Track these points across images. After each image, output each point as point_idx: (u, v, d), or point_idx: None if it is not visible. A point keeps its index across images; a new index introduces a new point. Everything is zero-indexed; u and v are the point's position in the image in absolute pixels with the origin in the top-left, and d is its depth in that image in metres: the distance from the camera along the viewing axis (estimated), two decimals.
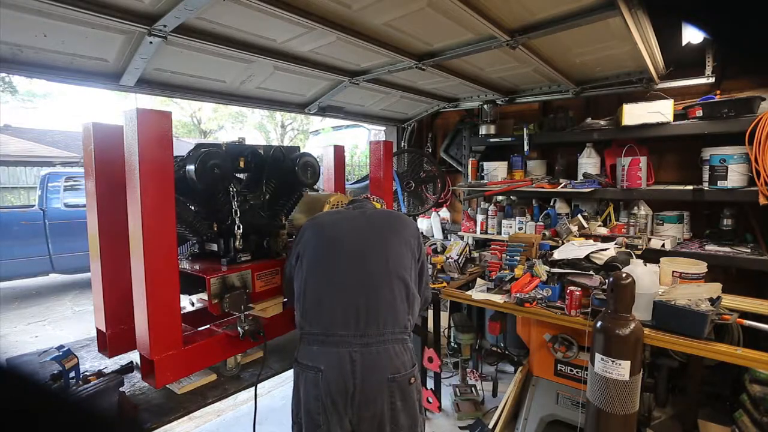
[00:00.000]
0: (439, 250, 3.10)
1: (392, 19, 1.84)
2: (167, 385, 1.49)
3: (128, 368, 1.66)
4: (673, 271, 2.24)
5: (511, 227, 3.36)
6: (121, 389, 1.47)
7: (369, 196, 1.87)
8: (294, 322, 1.53)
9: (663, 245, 2.64)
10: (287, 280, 1.61)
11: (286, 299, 1.77)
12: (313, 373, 1.33)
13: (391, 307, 1.38)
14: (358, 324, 1.34)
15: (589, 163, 3.07)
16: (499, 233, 3.45)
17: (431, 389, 2.70)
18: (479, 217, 3.59)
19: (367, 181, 3.35)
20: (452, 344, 3.28)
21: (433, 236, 4.22)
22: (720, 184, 2.47)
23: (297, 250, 1.51)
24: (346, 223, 1.52)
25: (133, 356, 1.69)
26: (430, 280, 1.76)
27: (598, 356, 1.72)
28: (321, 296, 1.39)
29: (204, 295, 1.58)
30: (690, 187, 2.61)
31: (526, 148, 3.26)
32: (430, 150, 4.42)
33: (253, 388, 1.62)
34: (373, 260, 1.43)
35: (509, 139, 3.41)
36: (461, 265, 2.90)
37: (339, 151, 2.52)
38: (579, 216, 2.89)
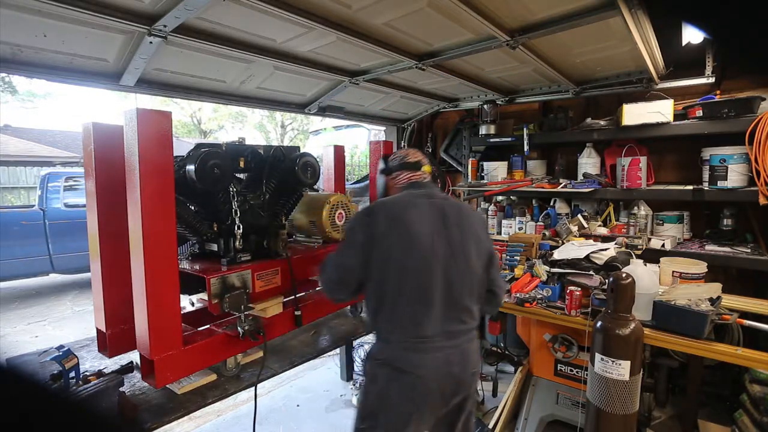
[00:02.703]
0: None
1: (392, 19, 1.84)
2: (167, 385, 1.49)
3: (128, 368, 1.66)
4: (673, 271, 2.24)
5: (511, 227, 3.36)
6: (121, 389, 1.47)
7: (422, 160, 1.61)
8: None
9: (663, 245, 2.63)
10: (343, 269, 1.38)
11: (332, 291, 1.45)
12: (410, 378, 1.30)
13: (469, 310, 1.42)
14: (449, 329, 1.36)
15: (589, 163, 3.07)
16: (499, 233, 3.45)
17: None
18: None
19: (367, 181, 3.35)
20: None
21: None
22: (720, 184, 2.47)
23: (365, 238, 1.34)
24: (425, 218, 1.38)
25: (133, 356, 1.69)
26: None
27: (598, 356, 1.72)
28: (412, 304, 1.32)
29: (204, 295, 1.58)
30: (690, 187, 2.61)
31: (526, 148, 3.25)
32: (430, 150, 4.41)
33: (253, 388, 1.63)
34: (458, 265, 1.39)
35: (509, 139, 3.41)
36: None
37: (339, 151, 2.52)
38: (579, 216, 2.89)
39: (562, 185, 3.06)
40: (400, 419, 1.31)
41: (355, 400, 3.03)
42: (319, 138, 8.86)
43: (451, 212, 1.45)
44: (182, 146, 2.31)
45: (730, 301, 2.11)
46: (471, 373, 1.41)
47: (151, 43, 1.79)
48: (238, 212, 1.69)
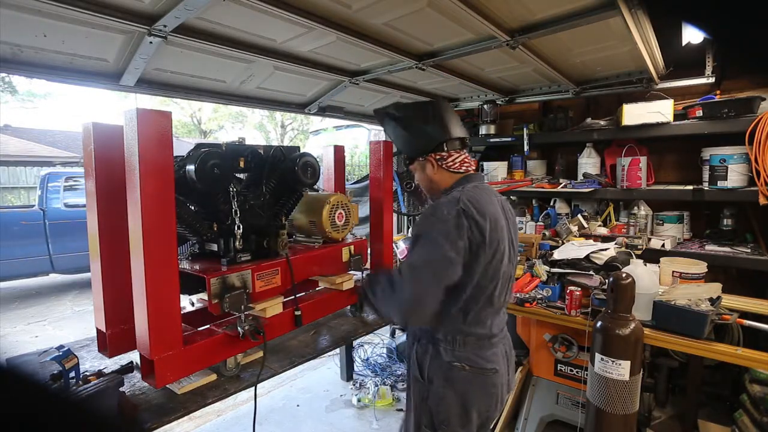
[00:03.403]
0: None
1: (392, 19, 1.84)
2: (167, 385, 1.49)
3: (128, 368, 1.66)
4: (673, 271, 2.24)
5: None
6: (121, 389, 1.47)
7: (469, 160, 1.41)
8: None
9: (663, 245, 2.64)
10: (446, 272, 1.17)
11: (423, 303, 1.18)
12: (491, 375, 1.32)
13: (510, 300, 1.47)
14: (503, 324, 1.41)
15: (589, 163, 3.07)
16: None
17: None
18: None
19: (367, 181, 3.36)
20: None
21: None
22: (720, 184, 2.47)
23: (474, 237, 1.19)
24: (502, 220, 1.31)
25: (133, 356, 1.69)
26: None
27: (598, 356, 1.72)
28: (492, 306, 1.31)
29: (204, 295, 1.58)
30: (690, 187, 2.61)
31: (526, 148, 3.26)
32: None
33: (253, 388, 1.63)
34: (513, 267, 1.40)
35: (509, 139, 3.41)
36: None
37: (339, 151, 2.52)
38: (579, 216, 2.89)
39: (562, 185, 3.06)
40: (483, 416, 1.34)
41: (355, 400, 3.03)
42: (319, 138, 8.86)
43: (508, 211, 1.41)
44: (182, 146, 2.31)
45: (730, 301, 2.11)
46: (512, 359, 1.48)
47: (151, 43, 1.79)
48: (238, 212, 1.69)
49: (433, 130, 1.33)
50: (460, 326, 1.29)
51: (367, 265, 2.32)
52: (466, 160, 1.38)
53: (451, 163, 1.36)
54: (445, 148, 1.35)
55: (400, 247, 3.07)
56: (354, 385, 3.26)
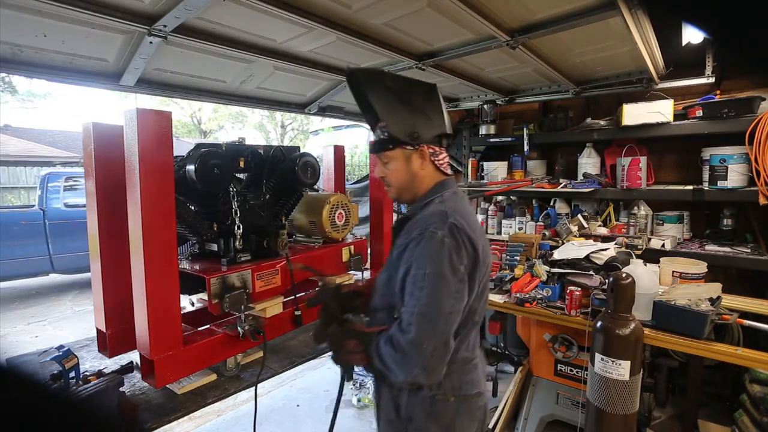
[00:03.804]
0: None
1: (392, 19, 1.84)
2: (167, 385, 1.49)
3: (128, 368, 1.66)
4: (673, 271, 2.24)
5: (511, 227, 3.36)
6: (121, 389, 1.47)
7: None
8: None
9: (663, 245, 2.64)
10: (459, 302, 1.04)
11: (443, 354, 1.02)
12: (477, 399, 1.19)
13: None
14: (478, 335, 1.28)
15: (589, 163, 3.07)
16: (499, 233, 3.45)
17: None
18: (479, 217, 3.59)
19: (367, 181, 3.36)
20: None
21: None
22: (720, 184, 2.47)
23: (471, 265, 1.06)
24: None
25: (133, 356, 1.69)
26: None
27: (598, 356, 1.72)
28: (476, 317, 1.17)
29: (204, 295, 1.58)
30: (690, 187, 2.61)
31: (526, 148, 3.26)
32: None
33: (253, 388, 1.63)
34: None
35: (509, 139, 3.41)
36: None
37: (339, 151, 2.52)
38: (579, 216, 2.89)
39: (562, 185, 3.06)
40: None
41: (355, 400, 3.03)
42: (319, 138, 8.87)
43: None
44: (182, 146, 2.31)
45: (730, 301, 2.11)
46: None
47: (151, 43, 1.79)
48: (238, 212, 1.69)
49: (437, 117, 1.15)
50: (463, 351, 1.16)
51: (367, 267, 2.29)
52: (449, 161, 1.23)
53: (441, 161, 1.18)
54: (441, 143, 1.17)
55: None
56: (354, 385, 3.26)
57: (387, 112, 1.12)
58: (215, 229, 1.72)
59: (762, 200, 2.27)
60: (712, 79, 2.62)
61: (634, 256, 2.31)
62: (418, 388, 1.12)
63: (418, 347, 0.97)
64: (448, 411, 1.14)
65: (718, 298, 1.84)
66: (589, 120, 3.03)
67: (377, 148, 1.17)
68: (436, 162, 1.17)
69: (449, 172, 1.21)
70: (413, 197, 1.19)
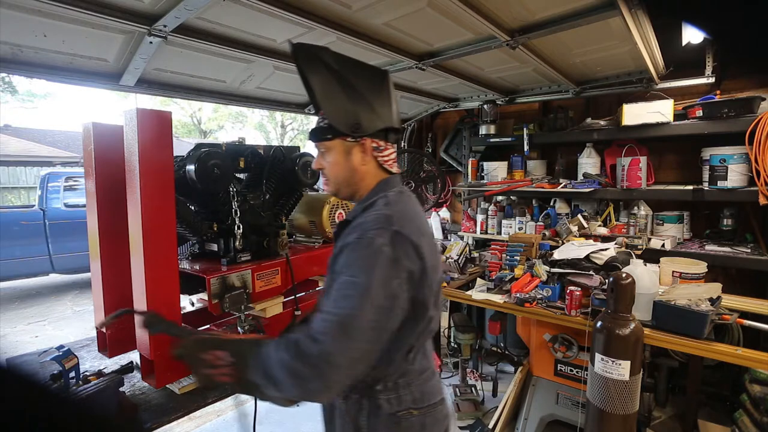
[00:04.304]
0: (439, 250, 3.10)
1: (392, 19, 1.84)
2: (167, 385, 1.49)
3: (128, 368, 1.65)
4: (673, 271, 2.24)
5: (511, 227, 3.36)
6: (121, 389, 1.47)
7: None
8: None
9: (663, 245, 2.64)
10: (386, 318, 0.90)
11: (351, 367, 0.87)
12: (440, 406, 1.11)
13: None
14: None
15: (589, 163, 3.08)
16: (499, 233, 3.45)
17: None
18: (479, 217, 3.59)
19: None
20: (452, 344, 3.28)
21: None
22: (720, 184, 2.47)
23: (408, 275, 0.92)
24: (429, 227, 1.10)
25: (133, 356, 1.69)
26: None
27: (598, 356, 1.72)
28: (433, 326, 1.07)
29: (204, 295, 1.58)
30: (690, 187, 2.61)
31: (526, 148, 3.26)
32: (430, 150, 4.42)
33: None
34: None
35: (509, 139, 3.41)
36: (461, 265, 2.91)
37: None
38: (579, 216, 2.89)
39: (562, 185, 3.06)
40: None
41: None
42: None
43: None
44: (182, 146, 2.31)
45: (730, 301, 2.11)
46: None
47: (151, 43, 1.79)
48: (238, 212, 1.69)
49: (382, 109, 1.03)
50: (403, 368, 1.03)
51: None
52: (396, 160, 1.11)
53: (386, 158, 1.06)
54: (387, 137, 1.06)
55: None
56: None
57: (326, 98, 1.00)
58: (215, 229, 1.72)
59: (762, 200, 2.27)
60: (712, 79, 2.62)
61: (634, 256, 2.31)
62: (377, 406, 1.01)
63: (327, 361, 0.83)
64: (414, 426, 1.04)
65: (718, 298, 1.84)
66: (589, 120, 3.03)
67: (315, 136, 1.06)
68: (379, 158, 1.05)
69: (395, 170, 1.09)
70: (352, 194, 1.09)
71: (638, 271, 1.89)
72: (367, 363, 0.90)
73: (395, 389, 1.03)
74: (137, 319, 1.19)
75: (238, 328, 1.59)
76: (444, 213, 4.37)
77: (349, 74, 1.03)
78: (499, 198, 3.62)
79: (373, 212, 0.97)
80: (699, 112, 2.52)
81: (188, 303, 1.95)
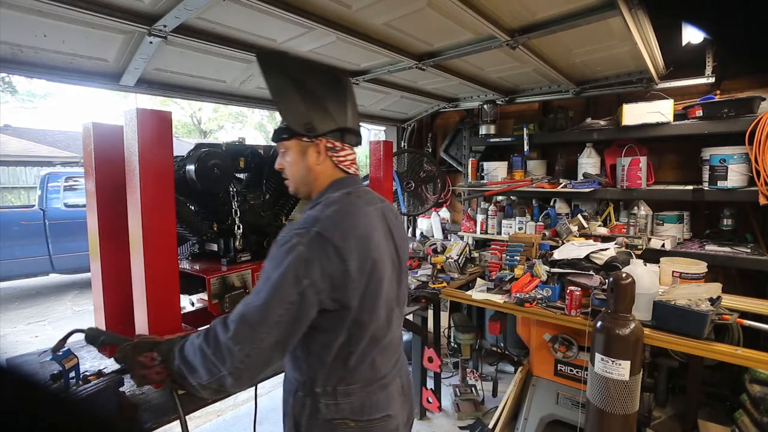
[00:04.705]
0: (439, 250, 3.10)
1: (392, 19, 1.84)
2: None
3: (128, 368, 1.65)
4: (673, 271, 2.24)
5: (511, 227, 3.36)
6: (121, 389, 1.47)
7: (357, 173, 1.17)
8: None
9: (663, 245, 2.64)
10: (292, 316, 0.91)
11: (260, 363, 0.92)
12: (383, 423, 1.09)
13: (400, 328, 1.24)
14: (396, 348, 1.16)
15: (589, 163, 3.08)
16: (499, 233, 3.45)
17: (431, 389, 2.70)
18: (479, 217, 3.59)
19: (367, 181, 3.35)
20: (452, 344, 3.28)
21: (433, 236, 4.22)
22: (720, 184, 2.47)
23: (328, 270, 0.93)
24: (383, 241, 1.07)
25: None
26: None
27: (598, 356, 1.72)
28: (377, 334, 1.05)
29: (204, 295, 1.58)
30: (690, 187, 2.61)
31: (526, 148, 3.26)
32: (430, 150, 4.42)
33: (253, 388, 1.62)
34: (403, 289, 1.18)
35: (509, 139, 3.41)
36: (461, 265, 2.91)
37: None
38: (579, 216, 2.89)
39: (562, 185, 3.06)
40: None
41: None
42: None
43: (392, 219, 1.16)
44: (182, 146, 2.31)
45: (730, 301, 2.11)
46: (411, 390, 1.28)
47: (151, 43, 1.79)
48: (238, 212, 1.69)
49: (337, 111, 1.06)
50: (341, 374, 1.02)
51: None
52: (354, 162, 1.13)
53: (342, 159, 1.08)
54: (343, 138, 1.08)
55: None
56: None
57: (281, 100, 1.04)
58: (215, 229, 1.72)
59: (762, 200, 2.27)
60: (712, 79, 2.62)
61: (634, 256, 2.31)
62: (317, 409, 1.03)
63: (230, 349, 0.89)
64: None
65: (718, 298, 1.84)
66: (589, 120, 3.03)
67: (274, 136, 1.12)
68: (334, 158, 1.07)
69: (351, 170, 1.11)
70: (309, 193, 1.12)
71: (638, 271, 1.89)
72: (278, 355, 0.92)
73: (334, 395, 1.03)
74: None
75: None
76: (444, 213, 4.37)
77: (305, 77, 1.05)
78: (499, 198, 3.62)
79: (307, 212, 1.01)
80: (699, 112, 2.52)
81: (188, 303, 1.95)
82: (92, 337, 1.19)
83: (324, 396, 1.03)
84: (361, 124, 1.18)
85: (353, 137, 1.11)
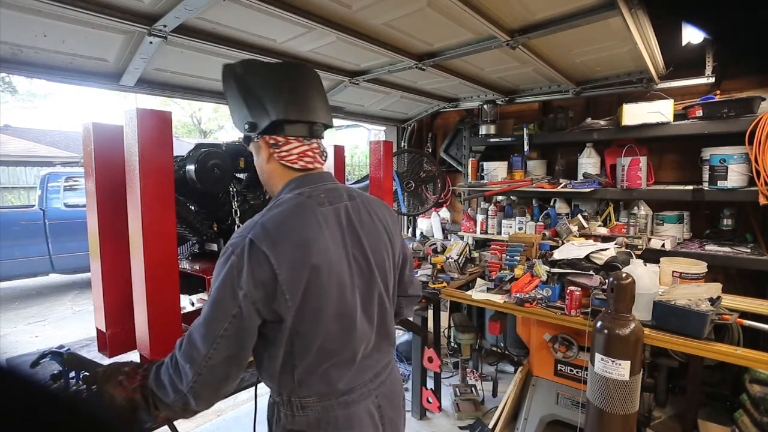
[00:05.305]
0: (439, 250, 3.10)
1: (392, 19, 1.84)
2: None
3: None
4: (673, 271, 2.24)
5: (511, 227, 3.36)
6: None
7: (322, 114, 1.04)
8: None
9: (663, 245, 2.64)
10: (235, 328, 0.86)
11: (218, 384, 0.90)
12: None
13: (390, 329, 1.12)
14: (371, 364, 1.05)
15: (589, 163, 3.08)
16: (499, 233, 3.45)
17: (431, 389, 2.70)
18: (479, 217, 3.59)
19: (367, 181, 3.36)
20: (452, 344, 3.28)
21: (433, 236, 4.22)
22: (720, 184, 2.47)
23: (261, 278, 0.86)
24: (338, 246, 0.96)
25: (133, 356, 1.69)
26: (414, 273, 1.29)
27: (598, 356, 1.72)
28: (329, 349, 0.96)
29: (204, 295, 1.58)
30: (690, 187, 2.61)
31: (526, 148, 3.26)
32: (430, 150, 4.42)
33: (253, 388, 1.62)
34: (375, 294, 1.04)
35: (509, 139, 3.41)
36: (461, 265, 2.90)
37: (339, 151, 2.52)
38: (579, 216, 2.89)
39: (562, 185, 3.06)
40: None
41: None
42: None
43: (364, 223, 1.04)
44: (182, 146, 2.31)
45: (730, 301, 2.11)
46: (403, 404, 1.20)
47: (151, 43, 1.79)
48: (238, 212, 1.69)
49: (271, 102, 0.94)
50: (291, 385, 0.96)
51: None
52: (308, 153, 1.00)
53: (285, 154, 0.98)
54: (284, 131, 0.96)
55: None
56: None
57: (229, 104, 1.01)
58: (215, 229, 1.72)
59: (762, 200, 2.27)
60: (712, 79, 2.62)
61: (634, 256, 2.31)
62: (279, 417, 1.00)
63: (182, 367, 0.87)
64: None
65: (718, 298, 1.84)
66: (589, 120, 3.03)
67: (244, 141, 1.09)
68: (276, 154, 0.98)
69: (298, 165, 0.99)
70: (272, 194, 1.07)
71: (638, 271, 1.89)
72: (235, 369, 0.89)
73: (290, 406, 0.98)
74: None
75: None
76: (444, 213, 4.37)
77: (249, 75, 0.98)
78: (499, 198, 3.62)
79: (251, 219, 0.95)
80: (699, 112, 2.52)
81: (188, 303, 1.95)
82: (68, 361, 1.19)
83: (283, 405, 1.00)
84: (332, 114, 1.10)
85: (300, 128, 0.98)
